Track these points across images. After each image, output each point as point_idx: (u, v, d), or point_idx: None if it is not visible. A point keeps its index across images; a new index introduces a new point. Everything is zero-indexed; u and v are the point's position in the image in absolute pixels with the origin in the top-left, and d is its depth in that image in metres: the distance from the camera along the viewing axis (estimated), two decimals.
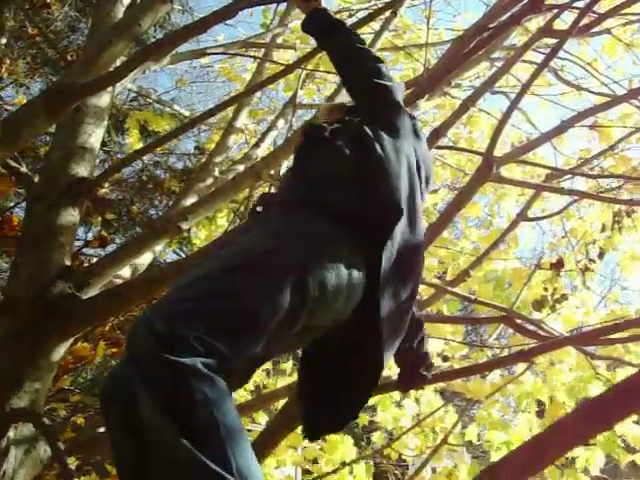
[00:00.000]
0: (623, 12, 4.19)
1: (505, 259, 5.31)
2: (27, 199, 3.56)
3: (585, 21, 3.32)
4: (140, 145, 6.22)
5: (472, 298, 3.29)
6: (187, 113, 7.13)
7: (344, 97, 3.24)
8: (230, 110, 5.53)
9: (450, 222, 2.86)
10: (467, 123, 6.34)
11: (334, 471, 4.21)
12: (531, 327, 3.11)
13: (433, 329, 4.89)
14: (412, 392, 4.97)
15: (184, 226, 3.57)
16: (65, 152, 3.50)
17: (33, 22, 6.43)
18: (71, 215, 3.35)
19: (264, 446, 2.66)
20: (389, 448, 4.69)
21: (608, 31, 5.40)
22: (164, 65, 4.51)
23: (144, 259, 3.93)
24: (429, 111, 6.73)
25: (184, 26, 3.19)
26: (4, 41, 6.14)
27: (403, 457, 5.46)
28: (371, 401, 4.98)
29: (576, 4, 3.35)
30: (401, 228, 1.92)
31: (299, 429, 4.63)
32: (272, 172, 4.25)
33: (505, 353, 3.66)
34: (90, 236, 6.59)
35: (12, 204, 5.72)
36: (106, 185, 5.31)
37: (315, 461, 4.82)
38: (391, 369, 3.12)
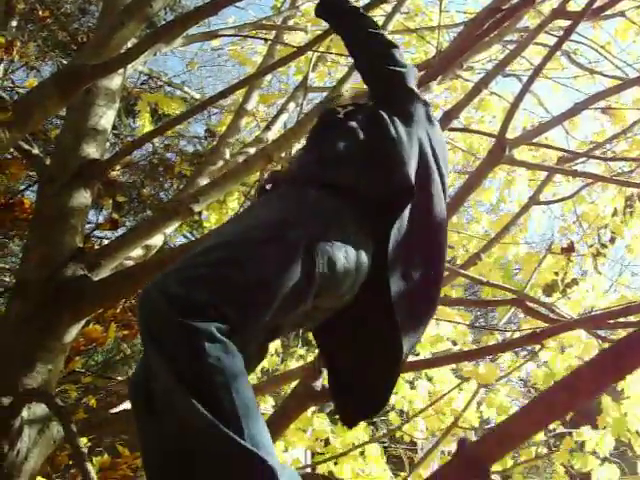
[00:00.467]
0: None
1: (516, 243, 5.30)
2: (38, 181, 3.57)
3: (599, 3, 3.29)
4: (151, 128, 6.21)
5: (483, 280, 3.28)
6: (198, 96, 7.11)
7: (357, 78, 3.23)
8: (241, 93, 5.52)
9: (461, 205, 2.85)
10: (479, 107, 6.30)
11: (344, 453, 4.23)
12: (542, 310, 3.10)
13: (442, 313, 4.90)
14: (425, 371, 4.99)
15: (195, 208, 3.58)
16: (76, 134, 3.50)
17: (44, 4, 6.42)
18: (83, 197, 3.36)
19: (278, 425, 2.68)
20: (400, 430, 4.71)
21: (622, 14, 5.34)
22: (175, 47, 4.50)
23: (156, 241, 3.94)
24: (441, 94, 6.70)
25: (195, 8, 3.18)
26: (15, 23, 6.14)
27: (413, 440, 5.48)
28: None
29: None
30: (410, 211, 1.92)
31: (309, 411, 4.68)
32: (283, 155, 4.25)
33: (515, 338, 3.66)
34: (101, 219, 6.62)
35: (23, 187, 5.74)
36: (117, 168, 5.32)
37: (327, 443, 4.84)
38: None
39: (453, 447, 4.87)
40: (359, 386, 1.94)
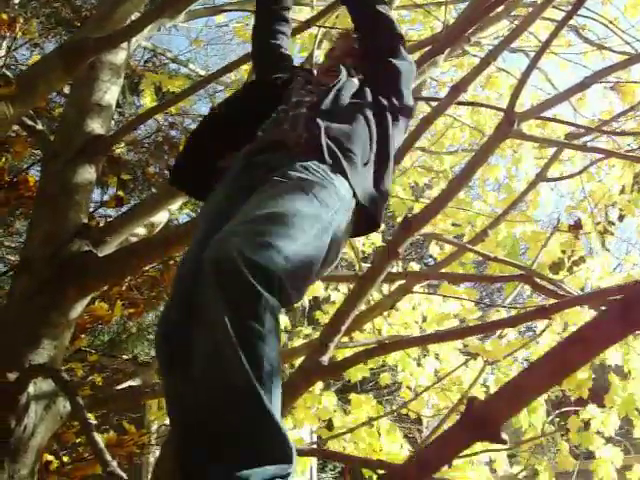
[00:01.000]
0: None
1: (528, 221, 5.26)
2: (43, 158, 3.55)
3: None
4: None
5: (491, 256, 3.26)
6: (203, 72, 7.06)
7: None
8: (246, 70, 5.47)
9: (470, 179, 2.81)
10: (486, 84, 6.25)
11: (351, 430, 4.23)
12: (550, 287, 3.08)
13: (449, 291, 4.89)
14: (433, 349, 4.98)
15: None
16: (80, 109, 3.48)
17: None
18: (87, 173, 3.34)
19: (284, 401, 2.66)
20: (406, 408, 4.71)
21: None
22: (179, 22, 4.45)
23: (160, 217, 3.92)
24: (447, 72, 6.64)
25: None
26: (17, 0, 6.09)
27: (420, 417, 5.48)
28: (391, 361, 5.02)
29: None
30: None
31: (317, 388, 4.68)
32: None
33: None
34: (106, 198, 6.59)
35: (27, 166, 5.71)
36: (122, 146, 5.29)
37: (329, 424, 4.85)
38: None
39: None
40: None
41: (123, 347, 6.68)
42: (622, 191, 5.41)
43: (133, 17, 3.48)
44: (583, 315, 4.24)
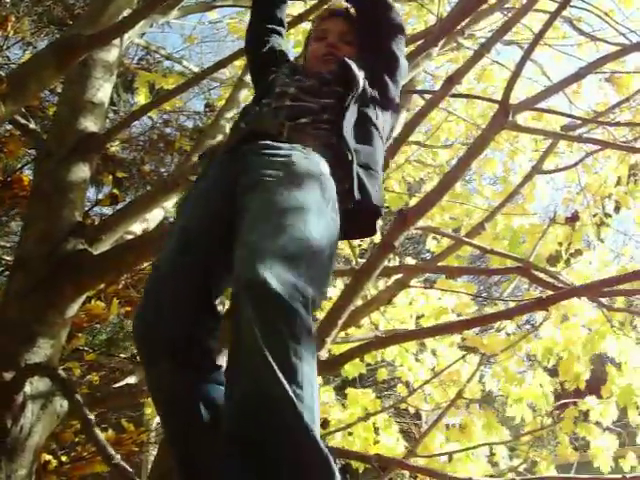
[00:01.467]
0: None
1: (520, 214, 5.26)
2: (36, 156, 3.53)
3: None
4: None
5: (488, 249, 3.25)
6: (197, 69, 7.02)
7: None
8: (240, 66, 5.45)
9: (466, 170, 2.80)
10: (480, 77, 6.23)
11: (349, 425, 4.22)
12: (547, 279, 3.07)
13: (446, 285, 4.88)
14: (430, 344, 4.98)
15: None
16: (73, 107, 3.46)
17: None
18: (81, 171, 3.32)
19: None
20: (405, 403, 4.70)
21: None
22: (172, 19, 4.43)
23: (155, 215, 3.90)
24: (442, 66, 6.62)
25: None
26: None
27: (418, 412, 5.48)
28: (389, 356, 5.02)
29: None
30: None
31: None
32: None
33: None
34: (101, 197, 6.56)
35: (21, 165, 5.69)
36: (116, 144, 5.27)
37: (324, 423, 4.84)
38: None
39: (457, 419, 4.87)
40: None
41: (120, 346, 6.67)
42: (618, 183, 5.41)
43: (125, 14, 3.46)
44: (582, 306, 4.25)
